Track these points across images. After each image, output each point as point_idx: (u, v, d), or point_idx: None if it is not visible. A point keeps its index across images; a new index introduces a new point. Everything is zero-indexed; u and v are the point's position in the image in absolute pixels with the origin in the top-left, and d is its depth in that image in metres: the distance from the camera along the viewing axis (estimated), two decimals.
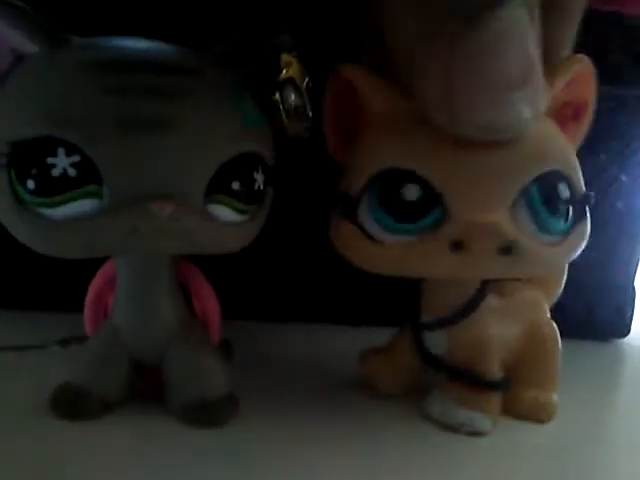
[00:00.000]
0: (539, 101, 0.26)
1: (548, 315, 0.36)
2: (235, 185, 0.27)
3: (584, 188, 0.30)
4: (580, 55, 0.29)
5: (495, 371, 0.32)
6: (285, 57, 0.30)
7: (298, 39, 0.31)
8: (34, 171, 0.25)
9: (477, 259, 0.27)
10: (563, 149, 0.29)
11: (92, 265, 0.32)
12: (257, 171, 0.28)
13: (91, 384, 0.30)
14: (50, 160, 0.24)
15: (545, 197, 0.28)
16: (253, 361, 0.39)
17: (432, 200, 0.27)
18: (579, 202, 0.29)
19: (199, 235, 0.26)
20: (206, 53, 0.29)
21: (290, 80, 0.30)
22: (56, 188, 0.25)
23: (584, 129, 0.31)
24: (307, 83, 0.31)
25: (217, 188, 0.27)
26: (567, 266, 0.37)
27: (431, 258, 0.27)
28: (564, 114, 0.30)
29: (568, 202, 0.28)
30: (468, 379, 0.32)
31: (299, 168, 0.39)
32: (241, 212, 0.28)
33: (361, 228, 0.29)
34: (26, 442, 0.28)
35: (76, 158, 0.24)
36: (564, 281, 0.38)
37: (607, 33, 0.41)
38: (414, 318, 0.34)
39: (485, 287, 0.33)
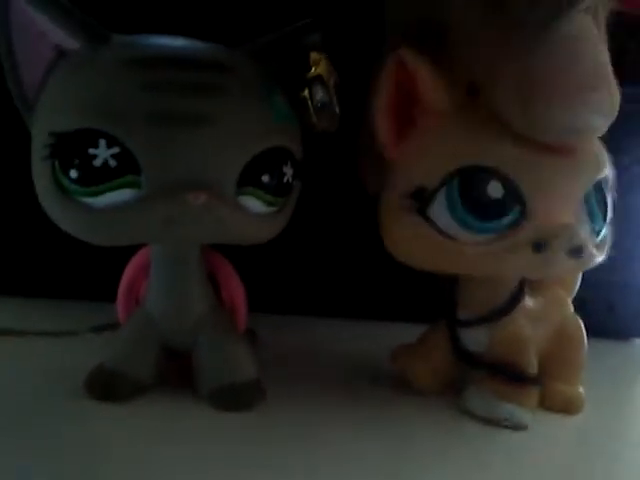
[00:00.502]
0: (614, 102, 0.26)
1: (573, 312, 0.36)
2: (265, 178, 0.28)
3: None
4: None
5: (534, 366, 0.33)
6: (314, 55, 0.31)
7: (327, 37, 0.32)
8: (77, 161, 0.26)
9: (552, 259, 0.27)
10: (604, 157, 0.30)
11: (123, 256, 0.34)
12: (286, 165, 0.30)
13: (124, 368, 0.32)
14: (92, 151, 0.26)
15: (599, 200, 0.29)
16: (277, 351, 0.40)
17: (513, 199, 0.27)
18: (609, 205, 0.30)
19: (230, 225, 0.28)
20: (238, 51, 0.30)
21: (318, 77, 0.31)
22: (97, 178, 0.26)
23: None
24: (335, 80, 0.32)
25: (248, 180, 0.28)
26: None
27: (511, 257, 0.28)
28: None
29: (608, 206, 0.30)
30: (509, 375, 0.32)
31: (327, 162, 0.40)
32: (270, 204, 0.29)
33: (433, 224, 0.29)
34: (60, 423, 0.29)
35: (116, 149, 0.26)
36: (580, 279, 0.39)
37: (628, 33, 0.41)
38: (450, 315, 0.34)
39: (523, 286, 0.33)
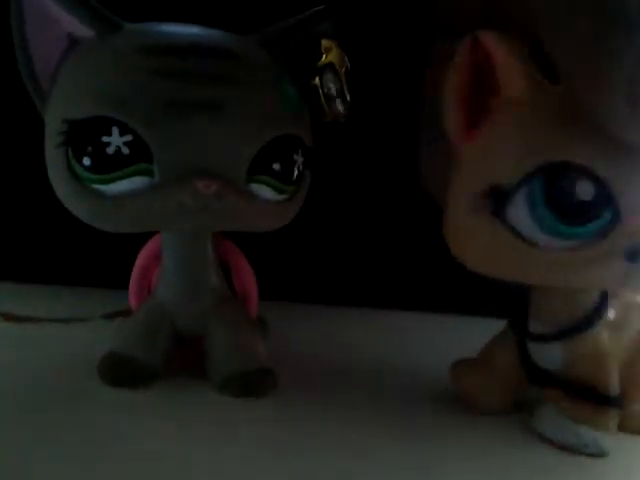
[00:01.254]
0: None
1: None
2: (276, 166, 0.29)
3: None
4: None
5: (615, 386, 0.29)
6: (325, 43, 0.31)
7: (338, 25, 0.32)
8: (90, 149, 0.26)
9: None
10: None
11: (135, 244, 0.34)
12: (297, 153, 0.30)
13: (136, 354, 0.32)
14: (105, 139, 0.26)
15: None
16: (288, 339, 0.40)
17: (604, 201, 0.24)
18: None
19: (241, 213, 0.28)
20: (249, 39, 0.30)
21: (330, 65, 0.31)
22: (110, 165, 0.26)
23: None
24: (346, 68, 0.32)
25: (259, 168, 0.28)
26: None
27: (601, 267, 0.25)
28: None
29: None
30: (588, 396, 0.28)
31: (338, 152, 0.40)
32: (281, 192, 0.29)
33: (511, 227, 0.25)
34: (72, 408, 0.29)
35: (129, 137, 0.26)
36: None
37: None
38: (521, 327, 0.31)
39: (606, 296, 0.29)
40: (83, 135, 0.26)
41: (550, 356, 0.29)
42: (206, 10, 0.37)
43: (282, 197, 0.30)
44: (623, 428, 0.30)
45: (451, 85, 0.26)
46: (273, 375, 0.33)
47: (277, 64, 0.30)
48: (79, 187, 0.27)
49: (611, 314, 0.30)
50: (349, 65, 0.31)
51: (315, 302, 0.48)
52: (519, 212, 0.25)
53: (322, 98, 0.31)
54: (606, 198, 0.24)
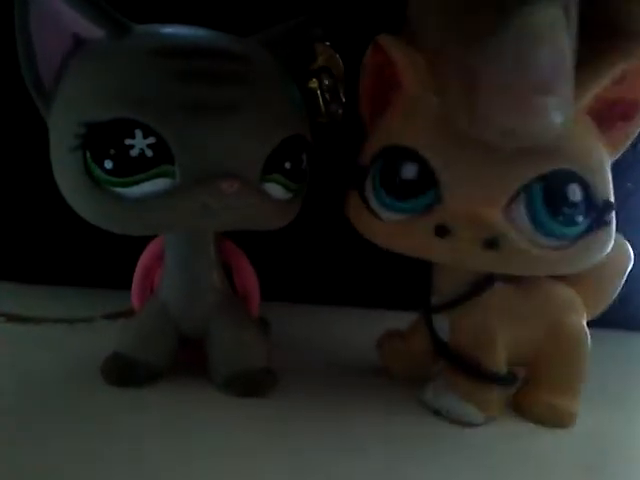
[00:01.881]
0: (569, 106, 0.24)
1: (581, 318, 0.33)
2: (287, 165, 0.29)
3: (607, 194, 0.27)
4: (629, 49, 0.26)
5: (498, 364, 0.31)
6: (319, 47, 0.32)
7: (332, 29, 0.32)
8: (112, 152, 0.26)
9: (461, 247, 0.27)
10: (585, 150, 0.27)
11: (138, 244, 0.34)
12: (303, 152, 0.30)
13: (139, 354, 0.32)
14: (128, 141, 0.26)
15: (548, 197, 0.26)
16: (289, 339, 0.40)
17: (427, 183, 0.27)
18: (598, 209, 0.27)
19: (257, 211, 0.28)
20: (252, 41, 0.30)
21: (325, 68, 0.32)
22: (133, 168, 0.26)
23: (635, 129, 0.29)
24: (340, 70, 0.32)
25: (272, 167, 0.28)
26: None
27: (417, 239, 0.28)
28: (612, 113, 0.28)
29: (579, 206, 0.27)
30: (464, 367, 0.31)
31: (337, 151, 0.40)
32: (290, 190, 0.30)
33: (365, 201, 0.30)
34: (76, 408, 0.29)
35: (152, 139, 0.26)
36: (615, 290, 0.36)
37: None
38: (425, 301, 0.34)
39: (492, 275, 0.31)
40: (104, 138, 0.26)
41: (442, 327, 0.32)
42: (196, 12, 0.37)
43: (290, 195, 0.30)
44: (529, 415, 0.32)
45: (361, 85, 0.30)
46: (274, 375, 0.33)
47: (281, 65, 0.30)
48: (96, 191, 0.27)
49: (516, 301, 0.31)
50: (343, 68, 0.32)
51: (316, 302, 0.48)
52: (369, 187, 0.29)
53: (320, 100, 0.32)
54: (429, 180, 0.27)
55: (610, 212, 0.28)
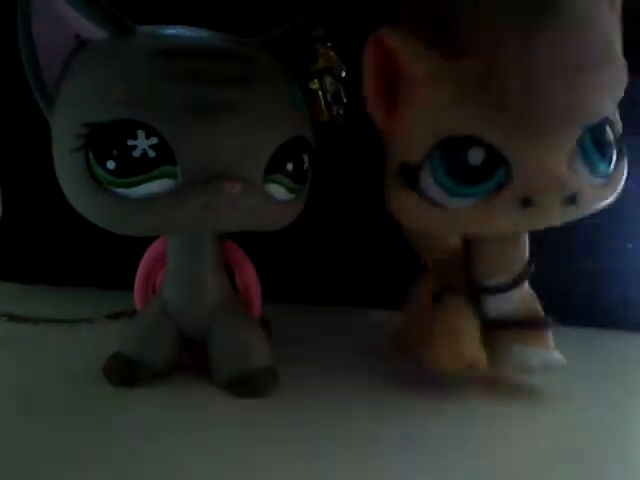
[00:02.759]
0: (617, 80, 0.27)
1: None
2: (289, 166, 0.29)
3: (620, 126, 0.30)
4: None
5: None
6: (321, 48, 0.32)
7: (333, 30, 0.32)
8: (115, 152, 0.26)
9: (545, 212, 0.28)
10: (605, 96, 0.29)
11: (140, 245, 0.35)
12: (305, 153, 0.30)
13: (141, 354, 0.32)
14: (131, 142, 0.26)
15: (596, 142, 0.29)
16: (290, 339, 0.40)
17: (496, 162, 0.28)
18: (618, 143, 0.30)
19: (259, 212, 0.28)
20: (253, 42, 0.31)
21: (326, 69, 0.32)
22: (136, 169, 0.26)
23: None
24: (342, 71, 0.33)
25: (274, 168, 0.29)
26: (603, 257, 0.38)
27: (500, 217, 0.29)
28: None
29: (612, 144, 0.30)
30: (540, 325, 0.34)
31: (339, 151, 0.40)
32: (292, 191, 0.30)
33: (423, 194, 0.30)
34: (77, 408, 0.30)
35: (154, 140, 0.26)
36: None
37: None
38: (474, 287, 0.35)
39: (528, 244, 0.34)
40: (107, 139, 0.26)
41: (507, 303, 0.34)
42: (198, 13, 0.37)
43: (292, 196, 0.30)
44: None
45: (365, 83, 0.30)
46: (275, 374, 0.33)
47: (283, 67, 0.31)
48: (99, 191, 0.27)
49: None
50: (344, 69, 0.32)
51: (317, 303, 0.49)
52: (429, 183, 0.29)
53: (321, 101, 0.32)
54: (498, 159, 0.28)
55: (623, 141, 0.31)
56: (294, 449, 0.27)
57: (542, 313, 0.34)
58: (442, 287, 0.35)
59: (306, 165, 0.30)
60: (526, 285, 0.35)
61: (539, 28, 0.26)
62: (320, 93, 0.32)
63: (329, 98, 0.32)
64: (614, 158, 0.30)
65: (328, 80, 0.32)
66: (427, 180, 0.29)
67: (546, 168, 0.28)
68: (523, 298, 0.35)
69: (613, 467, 0.28)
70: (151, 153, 0.26)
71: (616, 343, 0.45)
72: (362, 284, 0.49)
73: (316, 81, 0.32)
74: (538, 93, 0.26)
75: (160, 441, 0.27)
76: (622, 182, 0.31)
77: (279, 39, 0.32)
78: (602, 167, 0.29)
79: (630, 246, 0.45)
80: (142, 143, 0.26)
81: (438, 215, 0.30)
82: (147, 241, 0.34)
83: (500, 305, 0.35)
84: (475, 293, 0.35)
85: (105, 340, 0.35)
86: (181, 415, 0.30)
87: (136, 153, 0.26)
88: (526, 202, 0.28)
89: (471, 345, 0.34)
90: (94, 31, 0.27)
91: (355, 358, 0.38)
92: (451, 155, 0.29)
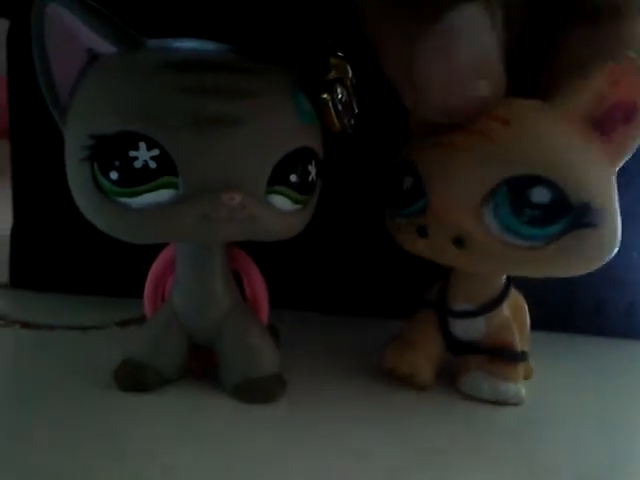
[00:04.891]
0: (496, 91, 0.29)
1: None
2: (293, 177, 0.29)
3: (586, 196, 0.28)
4: (624, 52, 0.28)
5: (519, 344, 0.35)
6: (333, 59, 0.32)
7: (343, 40, 0.33)
8: (117, 163, 0.27)
9: (436, 246, 0.31)
10: (556, 155, 0.28)
11: (149, 253, 0.35)
12: (311, 164, 0.31)
13: (151, 360, 0.33)
14: (132, 153, 0.26)
15: (513, 199, 0.28)
16: (298, 347, 0.41)
17: (420, 190, 0.31)
18: (574, 210, 0.28)
19: (261, 223, 0.29)
20: (263, 54, 0.31)
21: (338, 80, 0.32)
22: (137, 179, 0.27)
23: (637, 131, 0.29)
24: (353, 82, 0.33)
25: (277, 180, 0.29)
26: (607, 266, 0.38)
27: (409, 239, 0.32)
28: (613, 117, 0.29)
29: (547, 208, 0.28)
30: (506, 356, 0.35)
31: (347, 160, 0.40)
32: (296, 202, 0.30)
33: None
34: (88, 413, 0.30)
35: (156, 152, 0.26)
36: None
37: None
38: (442, 307, 0.36)
39: (510, 278, 0.36)
40: (110, 150, 0.27)
41: (474, 329, 0.35)
42: (212, 25, 0.38)
43: (297, 207, 0.31)
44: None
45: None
46: (283, 381, 0.33)
47: (291, 78, 0.31)
48: (104, 200, 0.28)
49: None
50: (355, 80, 0.32)
51: (325, 311, 0.49)
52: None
53: (332, 111, 0.32)
54: (421, 188, 0.32)
55: (591, 214, 0.28)
56: (301, 454, 0.27)
57: (513, 344, 0.35)
58: (425, 299, 0.38)
59: (312, 176, 0.30)
60: (501, 315, 0.35)
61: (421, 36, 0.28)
62: (331, 104, 0.32)
63: (340, 108, 0.32)
64: (555, 224, 0.28)
65: (340, 90, 0.32)
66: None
67: (447, 203, 0.30)
68: (493, 327, 0.35)
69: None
70: (152, 164, 0.26)
71: (620, 351, 0.46)
72: (374, 293, 0.49)
73: (327, 92, 0.32)
74: (418, 95, 0.29)
75: (169, 445, 0.27)
76: (579, 254, 0.29)
77: (290, 50, 0.32)
78: (520, 228, 0.28)
79: (635, 255, 0.46)
80: (143, 154, 0.26)
81: (396, 234, 0.34)
82: (157, 249, 0.35)
83: (465, 330, 0.36)
84: (443, 313, 0.36)
85: (115, 346, 0.35)
86: (190, 419, 0.30)
87: (137, 164, 0.26)
88: (421, 231, 0.31)
89: (418, 357, 0.36)
90: (104, 45, 0.28)
91: (365, 367, 0.39)
92: (394, 179, 0.34)
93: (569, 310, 0.38)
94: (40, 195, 0.48)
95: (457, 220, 0.30)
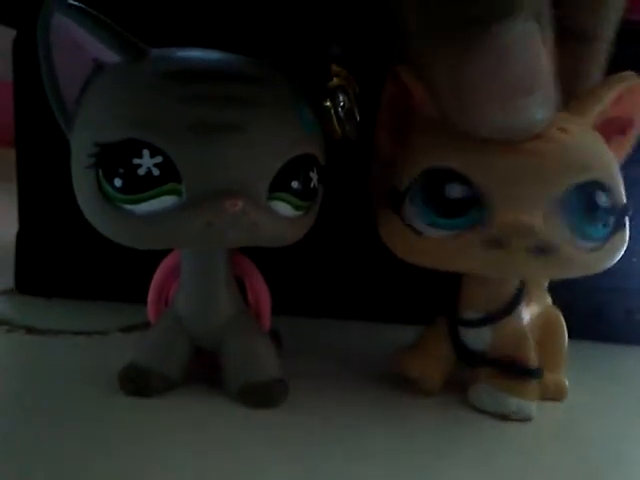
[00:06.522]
0: (549, 105, 0.28)
1: (551, 302, 0.38)
2: (294, 184, 0.30)
3: (623, 198, 0.31)
4: (630, 73, 0.31)
5: (535, 360, 0.34)
6: (335, 67, 0.33)
7: (346, 47, 0.33)
8: (122, 170, 0.27)
9: (512, 258, 0.28)
10: (605, 160, 0.30)
11: (152, 258, 0.35)
12: (312, 171, 0.31)
13: (154, 364, 0.33)
14: (136, 161, 0.27)
15: (583, 204, 0.29)
16: (300, 352, 0.41)
17: (473, 199, 0.29)
18: (618, 212, 0.30)
19: (263, 229, 0.29)
20: (264, 62, 0.32)
21: (340, 87, 0.33)
22: (141, 186, 0.27)
23: (630, 143, 0.33)
24: (355, 90, 0.33)
25: (279, 186, 0.29)
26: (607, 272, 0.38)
27: (466, 253, 0.29)
28: (610, 128, 0.32)
29: (607, 211, 0.30)
30: (515, 370, 0.34)
31: (348, 168, 0.41)
32: (298, 208, 0.31)
33: (405, 221, 0.31)
34: (93, 418, 0.30)
35: (159, 159, 0.27)
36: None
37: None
38: (452, 315, 0.36)
39: (524, 285, 0.35)
40: (114, 157, 0.27)
41: (479, 338, 0.35)
42: (214, 34, 0.38)
43: (299, 213, 0.31)
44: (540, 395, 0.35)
45: (379, 112, 0.33)
46: (285, 386, 0.34)
47: (293, 86, 0.31)
48: (109, 206, 0.28)
49: (528, 299, 0.35)
50: (357, 87, 0.33)
51: (328, 316, 0.49)
52: (409, 208, 0.31)
53: (334, 119, 0.32)
54: (475, 196, 0.29)
55: (626, 214, 0.31)
56: (304, 458, 0.28)
57: (526, 360, 0.34)
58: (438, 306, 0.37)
59: (314, 182, 0.31)
60: (512, 326, 0.34)
61: (469, 53, 0.26)
62: (333, 111, 0.32)
63: (342, 116, 0.32)
64: (608, 224, 0.30)
65: (342, 98, 0.33)
66: (409, 206, 0.31)
67: (519, 214, 0.28)
68: (502, 339, 0.34)
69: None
70: (155, 171, 0.27)
71: (618, 356, 0.46)
72: (375, 298, 0.50)
73: (329, 99, 0.33)
74: (467, 112, 0.28)
75: (173, 449, 0.28)
76: (617, 251, 0.31)
77: (294, 58, 0.32)
78: (587, 229, 0.29)
79: (634, 260, 0.46)
80: (147, 162, 0.27)
81: (415, 243, 0.31)
82: (161, 254, 0.35)
83: (473, 339, 0.35)
84: (454, 322, 0.36)
85: (119, 352, 0.36)
86: (194, 423, 0.30)
87: (141, 171, 0.27)
88: (489, 244, 0.28)
89: (426, 364, 0.35)
90: (109, 54, 0.29)
91: (366, 371, 0.39)
92: (431, 185, 0.30)
93: (569, 316, 0.38)
94: (45, 201, 0.48)
95: (536, 229, 0.28)
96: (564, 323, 0.37)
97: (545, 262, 0.29)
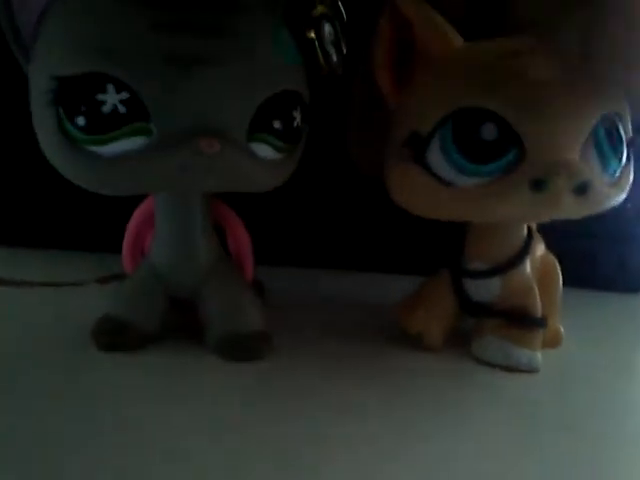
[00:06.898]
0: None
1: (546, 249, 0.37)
2: (276, 123, 0.28)
3: (630, 130, 0.30)
4: None
5: (540, 308, 0.33)
6: None
7: None
8: (84, 108, 0.25)
9: (554, 198, 0.27)
10: (620, 92, 0.29)
11: (128, 206, 0.33)
12: (295, 109, 0.29)
13: (130, 317, 0.32)
14: (100, 97, 0.25)
15: (609, 136, 0.28)
16: (285, 303, 0.40)
17: (509, 140, 0.27)
18: (628, 144, 0.30)
19: (242, 172, 0.27)
20: None
21: (325, 16, 0.30)
22: (106, 125, 0.25)
23: None
24: (342, 19, 0.31)
25: (259, 126, 0.27)
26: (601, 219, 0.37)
27: (510, 198, 0.27)
28: None
29: (623, 143, 0.29)
30: (523, 321, 0.33)
31: (335, 108, 0.39)
32: (280, 150, 0.29)
33: (430, 171, 0.28)
34: (66, 373, 0.29)
35: (125, 95, 0.25)
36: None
37: None
38: (456, 266, 0.34)
39: (532, 231, 0.34)
40: (75, 93, 0.25)
41: (486, 290, 0.34)
42: None
43: (281, 155, 0.29)
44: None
45: (377, 47, 0.29)
46: (269, 338, 0.32)
47: (274, 17, 0.29)
48: (72, 149, 0.26)
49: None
50: (345, 16, 0.30)
51: (313, 266, 0.48)
52: (435, 156, 0.28)
53: (319, 51, 0.30)
54: (511, 137, 0.26)
55: (633, 146, 0.30)
56: (288, 411, 0.27)
57: (534, 310, 0.33)
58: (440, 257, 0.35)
59: (297, 122, 0.29)
60: (520, 276, 0.33)
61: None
62: (317, 43, 0.30)
63: (327, 48, 0.30)
64: (624, 157, 0.29)
65: (327, 29, 0.30)
66: (436, 153, 0.28)
67: (560, 151, 0.27)
68: (511, 289, 0.33)
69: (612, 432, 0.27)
70: (122, 109, 0.25)
71: (612, 304, 0.46)
72: (359, 247, 0.48)
73: (313, 30, 0.30)
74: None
75: (149, 403, 0.26)
76: (628, 186, 0.30)
77: None
78: (613, 163, 0.29)
79: (629, 206, 0.45)
80: (112, 98, 0.24)
81: (443, 195, 0.28)
82: (136, 201, 0.33)
83: (480, 291, 0.34)
84: (458, 274, 0.34)
85: (95, 304, 0.34)
86: (171, 378, 0.29)
87: (106, 109, 0.25)
88: (536, 185, 0.26)
89: (428, 317, 0.34)
90: None
91: (351, 323, 0.38)
92: (463, 127, 0.27)
93: (563, 263, 0.37)
94: (7, 146, 0.46)
95: (577, 166, 0.27)
96: (560, 270, 0.36)
97: (583, 201, 0.27)
